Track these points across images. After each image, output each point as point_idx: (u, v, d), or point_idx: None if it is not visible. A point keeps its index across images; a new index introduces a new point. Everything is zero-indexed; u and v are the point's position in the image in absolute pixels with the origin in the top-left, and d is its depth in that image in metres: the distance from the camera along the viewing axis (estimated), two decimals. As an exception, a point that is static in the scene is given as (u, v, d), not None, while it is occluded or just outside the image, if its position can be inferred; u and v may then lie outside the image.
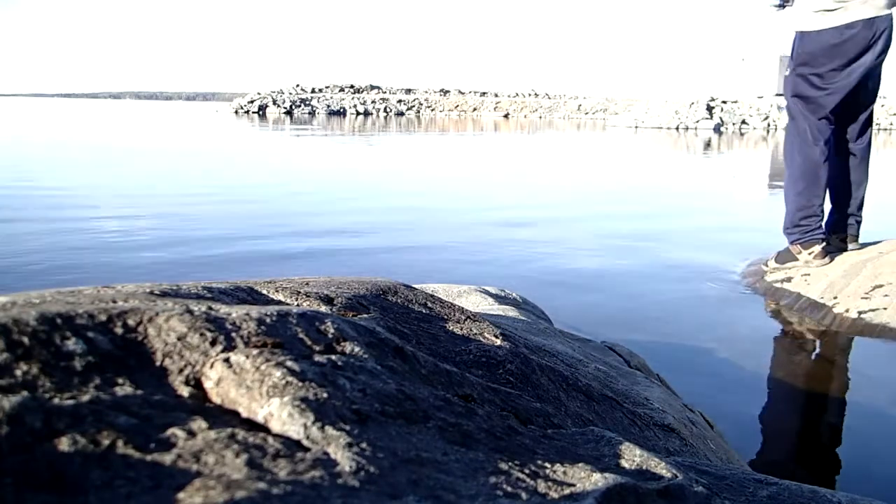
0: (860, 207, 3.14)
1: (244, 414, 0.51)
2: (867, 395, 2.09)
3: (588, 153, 13.25)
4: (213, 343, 0.58)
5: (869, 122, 3.06)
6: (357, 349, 0.65)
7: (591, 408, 0.95)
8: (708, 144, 16.55)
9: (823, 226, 3.10)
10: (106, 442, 0.43)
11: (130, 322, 0.58)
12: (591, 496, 0.51)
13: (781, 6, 3.07)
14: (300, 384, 0.53)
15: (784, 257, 3.16)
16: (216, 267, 3.33)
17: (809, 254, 3.06)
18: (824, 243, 3.07)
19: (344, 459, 0.47)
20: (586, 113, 40.57)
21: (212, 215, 4.81)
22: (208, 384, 0.54)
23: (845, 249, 3.16)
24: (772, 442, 1.79)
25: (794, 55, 2.96)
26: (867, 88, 2.95)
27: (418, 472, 0.49)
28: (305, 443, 0.48)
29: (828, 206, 3.16)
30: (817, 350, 2.48)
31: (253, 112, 34.56)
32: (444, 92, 47.11)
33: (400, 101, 40.76)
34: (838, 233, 3.17)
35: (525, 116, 39.91)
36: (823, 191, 3.05)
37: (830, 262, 3.06)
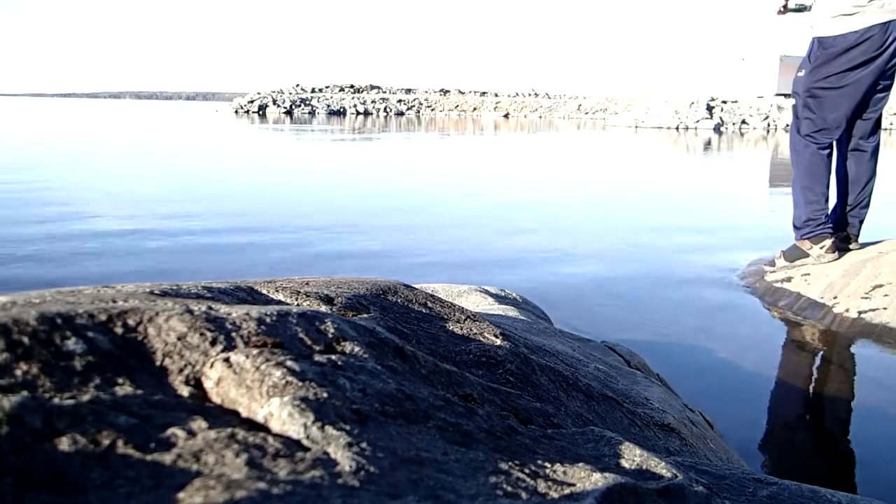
0: (866, 206, 3.14)
1: (244, 414, 0.51)
2: (867, 394, 2.09)
3: (588, 153, 13.25)
4: (213, 343, 0.58)
5: (880, 122, 3.08)
6: (357, 349, 0.65)
7: (591, 408, 0.95)
8: (708, 144, 16.55)
9: (831, 221, 3.11)
10: (106, 442, 0.43)
11: (130, 322, 0.57)
12: (591, 496, 0.51)
13: (783, 11, 3.10)
14: (300, 384, 0.53)
15: (793, 254, 3.16)
16: (215, 269, 3.33)
17: (821, 248, 3.06)
18: (833, 238, 3.08)
19: (344, 459, 0.47)
20: (586, 113, 40.52)
21: (210, 215, 4.81)
22: (208, 384, 0.54)
23: (848, 248, 3.16)
24: (772, 442, 1.79)
25: (812, 58, 2.98)
26: (879, 89, 2.97)
27: (418, 471, 0.49)
28: (305, 443, 0.48)
29: (832, 204, 3.17)
30: (817, 350, 2.48)
31: (253, 112, 34.51)
32: (444, 92, 47.06)
33: (400, 101, 40.71)
34: (841, 231, 3.17)
35: (525, 116, 39.88)
36: (828, 188, 3.06)
37: (840, 257, 3.06)
